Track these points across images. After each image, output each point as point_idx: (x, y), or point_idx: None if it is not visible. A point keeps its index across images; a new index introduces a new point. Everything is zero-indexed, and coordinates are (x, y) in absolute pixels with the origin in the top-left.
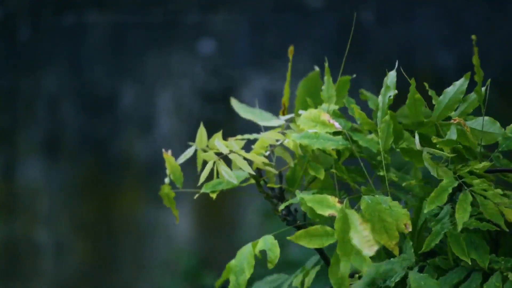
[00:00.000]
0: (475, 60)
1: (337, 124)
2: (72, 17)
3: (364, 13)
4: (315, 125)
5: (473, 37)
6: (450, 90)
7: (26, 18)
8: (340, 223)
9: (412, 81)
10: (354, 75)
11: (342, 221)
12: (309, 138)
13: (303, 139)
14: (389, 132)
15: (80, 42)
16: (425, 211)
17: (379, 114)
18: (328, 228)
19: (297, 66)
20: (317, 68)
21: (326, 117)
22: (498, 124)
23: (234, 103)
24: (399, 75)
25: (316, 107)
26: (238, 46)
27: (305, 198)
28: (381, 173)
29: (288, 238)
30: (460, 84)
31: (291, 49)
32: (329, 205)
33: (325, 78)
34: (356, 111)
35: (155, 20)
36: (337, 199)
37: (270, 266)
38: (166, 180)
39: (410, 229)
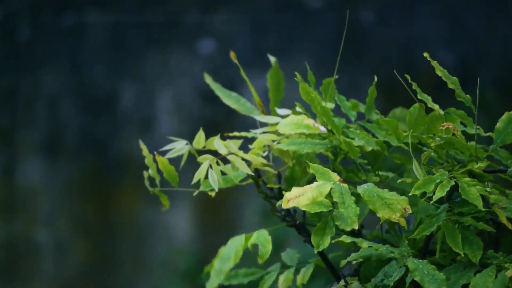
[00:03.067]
0: None
1: (322, 128)
2: (72, 17)
3: (364, 13)
4: (298, 129)
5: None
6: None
7: (26, 18)
8: (336, 194)
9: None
10: (337, 76)
11: (338, 193)
12: (297, 144)
13: (291, 146)
14: (350, 142)
15: (80, 42)
16: (410, 194)
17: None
18: (326, 201)
19: (297, 66)
20: (273, 58)
21: (309, 121)
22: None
23: (212, 84)
24: (397, 76)
25: (278, 101)
26: (238, 46)
27: (311, 166)
28: (362, 177)
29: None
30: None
31: (232, 55)
32: (330, 178)
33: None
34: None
35: (155, 20)
36: (338, 177)
37: (260, 261)
38: (146, 175)
39: (410, 211)
